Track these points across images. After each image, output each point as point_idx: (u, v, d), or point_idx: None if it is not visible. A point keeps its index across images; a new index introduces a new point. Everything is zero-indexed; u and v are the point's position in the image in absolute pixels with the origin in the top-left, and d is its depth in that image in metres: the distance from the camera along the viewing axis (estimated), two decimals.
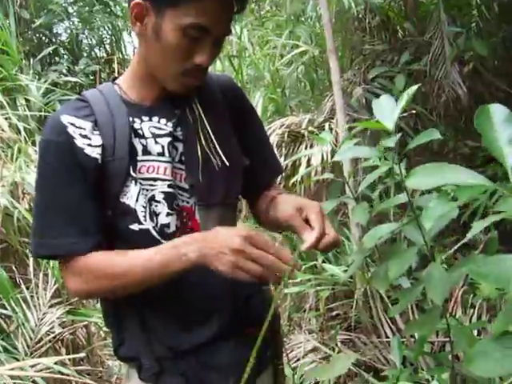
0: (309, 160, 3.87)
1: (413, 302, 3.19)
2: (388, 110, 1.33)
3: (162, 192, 1.38)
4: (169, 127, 1.42)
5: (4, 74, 4.55)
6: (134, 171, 1.36)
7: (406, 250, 1.41)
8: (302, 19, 6.14)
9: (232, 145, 1.51)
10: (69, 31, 7.45)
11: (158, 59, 1.37)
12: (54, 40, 7.30)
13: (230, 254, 1.17)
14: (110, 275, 1.31)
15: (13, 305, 3.02)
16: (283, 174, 4.00)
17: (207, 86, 1.51)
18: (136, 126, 1.39)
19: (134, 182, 1.35)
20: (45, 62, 6.71)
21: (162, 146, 1.40)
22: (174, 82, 1.39)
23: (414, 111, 4.10)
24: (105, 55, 7.72)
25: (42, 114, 4.86)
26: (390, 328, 3.32)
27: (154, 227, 1.37)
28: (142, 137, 1.39)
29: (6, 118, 4.15)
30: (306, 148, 4.02)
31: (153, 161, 1.39)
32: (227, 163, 1.45)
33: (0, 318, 3.13)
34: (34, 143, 4.37)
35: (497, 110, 0.99)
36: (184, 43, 1.31)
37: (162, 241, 1.36)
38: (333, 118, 4.10)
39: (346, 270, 3.35)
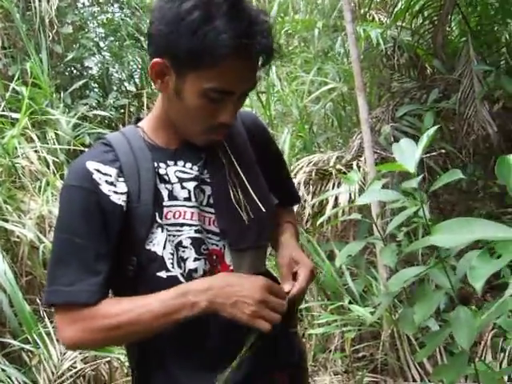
0: (336, 199, 3.83)
1: (441, 345, 3.12)
2: (408, 152, 1.34)
3: (190, 237, 1.35)
4: (194, 171, 1.40)
5: (35, 108, 4.60)
6: (160, 217, 1.34)
7: (433, 293, 1.38)
8: (330, 55, 6.17)
9: (262, 185, 1.50)
10: (99, 65, 7.54)
11: (180, 117, 1.36)
12: (84, 74, 7.40)
13: (252, 304, 1.19)
14: (114, 325, 1.26)
15: (36, 338, 3.01)
16: (310, 212, 3.97)
17: (233, 127, 1.48)
18: (161, 171, 1.37)
19: (160, 228, 1.33)
20: (75, 95, 6.78)
21: (189, 191, 1.37)
22: (196, 138, 1.38)
23: (443, 150, 4.06)
24: (134, 89, 7.77)
25: (71, 147, 4.90)
26: (418, 371, 3.25)
27: (181, 274, 1.33)
28: (168, 182, 1.37)
29: (35, 151, 4.17)
30: (333, 186, 3.99)
31: (179, 206, 1.36)
32: (263, 208, 1.43)
33: (23, 352, 3.11)
34: (62, 176, 4.40)
35: None
36: (206, 105, 1.29)
37: None
38: (361, 156, 4.08)
39: (372, 312, 3.30)
